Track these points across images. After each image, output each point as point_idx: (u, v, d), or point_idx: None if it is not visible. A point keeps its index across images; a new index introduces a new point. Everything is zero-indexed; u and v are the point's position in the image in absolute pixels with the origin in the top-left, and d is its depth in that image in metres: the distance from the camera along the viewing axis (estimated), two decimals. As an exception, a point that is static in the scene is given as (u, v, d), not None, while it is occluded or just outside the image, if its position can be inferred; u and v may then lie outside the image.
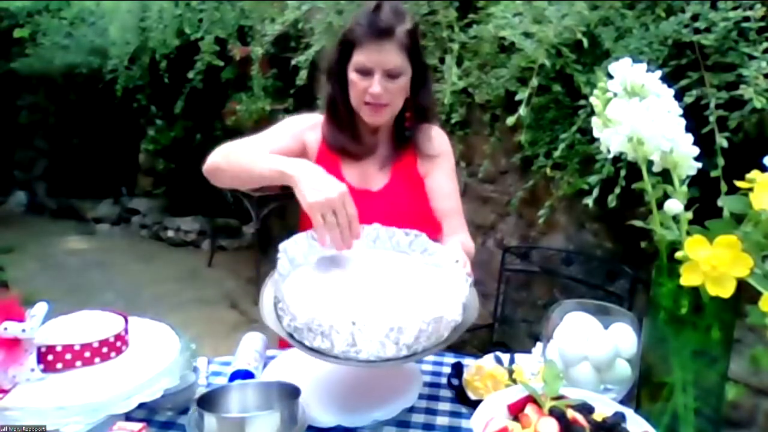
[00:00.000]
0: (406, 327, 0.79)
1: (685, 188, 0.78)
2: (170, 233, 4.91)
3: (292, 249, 1.02)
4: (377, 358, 0.80)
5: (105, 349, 0.87)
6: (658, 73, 0.82)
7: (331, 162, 1.28)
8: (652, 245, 0.81)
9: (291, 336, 0.85)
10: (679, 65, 1.64)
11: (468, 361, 1.10)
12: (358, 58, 1.19)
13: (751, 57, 1.54)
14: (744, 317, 0.72)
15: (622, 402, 0.84)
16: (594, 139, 0.88)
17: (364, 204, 1.12)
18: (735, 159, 1.45)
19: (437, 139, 1.35)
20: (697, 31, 1.63)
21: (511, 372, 1.04)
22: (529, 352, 1.11)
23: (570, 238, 2.35)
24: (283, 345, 1.11)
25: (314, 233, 1.00)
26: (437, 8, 2.39)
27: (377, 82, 1.18)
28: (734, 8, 1.59)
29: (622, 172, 1.62)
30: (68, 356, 0.84)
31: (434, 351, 0.85)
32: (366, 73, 1.19)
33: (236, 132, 4.02)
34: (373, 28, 1.17)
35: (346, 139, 1.29)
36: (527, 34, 1.92)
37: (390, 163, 1.31)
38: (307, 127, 1.32)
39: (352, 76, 1.21)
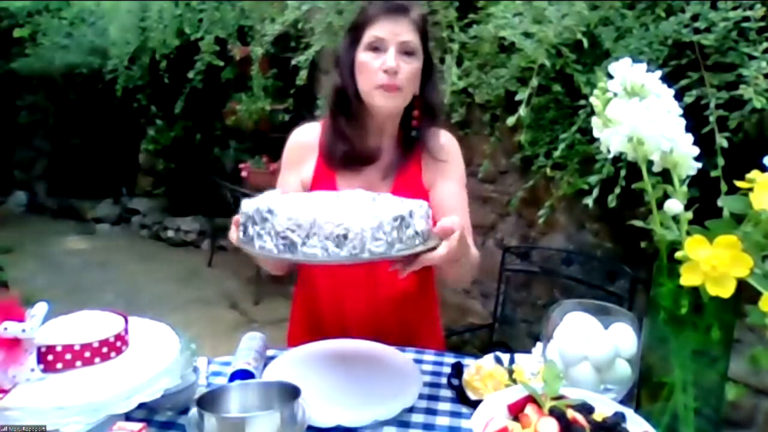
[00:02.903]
0: (351, 226, 0.83)
1: (685, 188, 0.78)
2: (170, 233, 4.91)
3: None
4: (332, 252, 0.83)
5: (105, 349, 0.87)
6: (658, 73, 0.82)
7: (326, 177, 1.25)
8: (652, 245, 0.80)
9: (261, 248, 0.91)
10: (679, 65, 1.64)
11: (468, 361, 1.11)
12: (372, 33, 1.16)
13: (751, 57, 1.53)
14: (744, 317, 0.72)
15: (622, 402, 0.84)
16: (594, 139, 0.87)
17: None
18: (735, 159, 1.45)
19: (447, 144, 1.29)
20: (697, 31, 1.63)
21: (511, 372, 1.04)
22: (529, 352, 1.11)
23: (570, 238, 2.35)
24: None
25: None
26: (437, 8, 2.39)
27: (392, 56, 1.15)
28: (734, 8, 1.59)
29: (622, 172, 1.61)
30: (68, 356, 0.84)
31: (400, 252, 0.87)
32: (379, 49, 1.16)
33: (236, 132, 4.06)
34: (388, 5, 1.16)
35: (351, 132, 1.23)
36: (527, 34, 1.92)
37: (394, 172, 1.26)
38: (302, 152, 1.29)
39: (364, 56, 1.17)
